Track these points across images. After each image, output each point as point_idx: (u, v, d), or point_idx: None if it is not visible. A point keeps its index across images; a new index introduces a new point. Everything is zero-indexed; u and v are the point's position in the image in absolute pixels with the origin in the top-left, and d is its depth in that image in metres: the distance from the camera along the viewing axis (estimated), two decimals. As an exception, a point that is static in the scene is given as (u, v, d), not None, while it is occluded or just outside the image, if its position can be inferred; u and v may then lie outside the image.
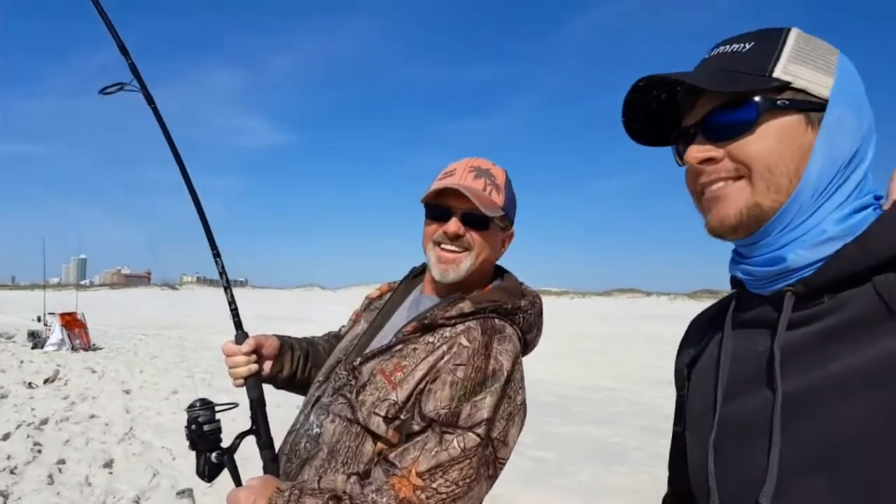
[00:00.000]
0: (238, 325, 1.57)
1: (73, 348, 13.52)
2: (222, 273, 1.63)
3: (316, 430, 1.40)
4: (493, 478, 1.31)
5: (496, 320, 1.39)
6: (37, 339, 14.05)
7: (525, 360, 1.45)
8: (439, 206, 1.45)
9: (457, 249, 1.43)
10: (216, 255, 1.62)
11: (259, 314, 30.73)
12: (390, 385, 1.33)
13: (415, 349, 1.36)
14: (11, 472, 4.94)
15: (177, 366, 11.67)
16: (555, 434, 6.79)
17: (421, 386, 1.32)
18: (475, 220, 1.42)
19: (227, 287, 1.63)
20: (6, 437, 5.99)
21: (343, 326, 1.80)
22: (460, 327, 1.36)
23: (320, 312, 36.93)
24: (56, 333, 13.70)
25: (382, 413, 1.32)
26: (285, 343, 1.64)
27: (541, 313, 1.53)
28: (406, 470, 1.23)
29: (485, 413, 1.26)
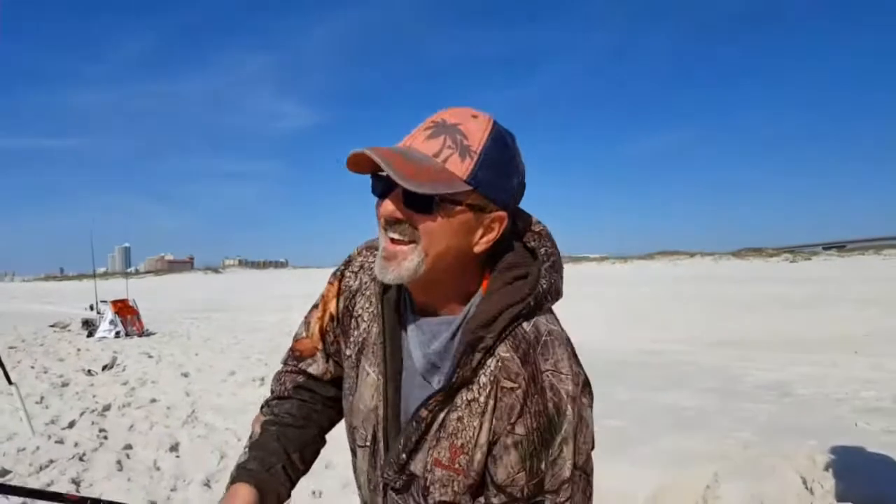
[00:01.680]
0: None
1: (128, 334, 13.72)
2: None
3: None
4: (591, 497, 1.13)
5: (525, 326, 1.08)
6: (91, 327, 14.28)
7: (574, 328, 1.20)
8: (381, 179, 1.04)
9: (401, 238, 1.03)
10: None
11: (303, 293, 30.98)
12: (460, 475, 1.10)
13: (460, 418, 1.09)
14: (80, 458, 4.91)
15: (230, 347, 11.72)
16: (623, 401, 6.53)
17: (487, 454, 1.10)
18: (415, 200, 0.99)
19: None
20: (72, 424, 6.01)
21: (302, 347, 1.33)
22: (492, 363, 1.07)
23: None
24: (107, 321, 13.89)
25: None
26: (266, 483, 1.18)
27: (561, 267, 1.16)
28: None
29: (567, 467, 1.06)
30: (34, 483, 4.35)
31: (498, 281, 1.09)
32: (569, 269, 1.26)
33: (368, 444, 1.20)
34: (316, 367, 1.31)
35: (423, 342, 1.14)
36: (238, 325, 16.52)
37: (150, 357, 10.45)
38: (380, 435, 1.17)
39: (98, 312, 15.02)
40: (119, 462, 4.85)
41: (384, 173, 0.99)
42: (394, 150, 1.01)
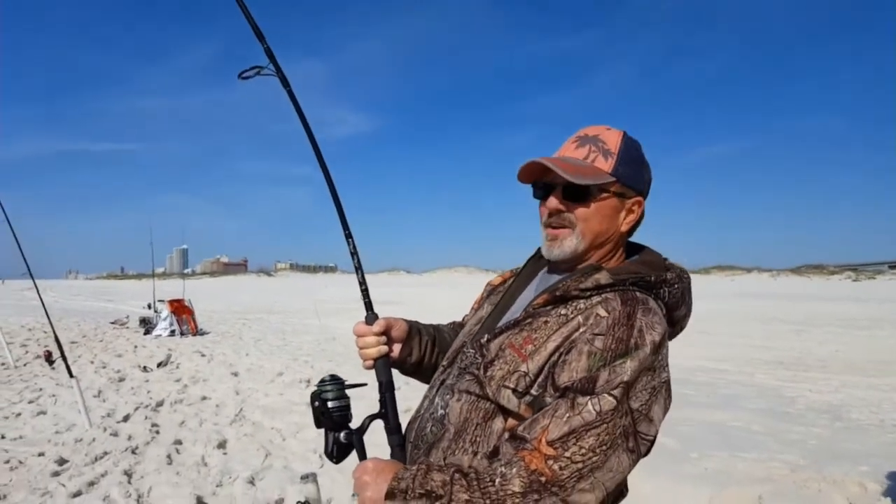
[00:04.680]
0: (368, 306, 1.52)
1: (182, 333, 14.15)
2: (353, 253, 1.56)
3: (441, 411, 1.33)
4: (634, 452, 1.15)
5: (637, 293, 1.26)
6: (148, 325, 14.79)
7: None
8: (541, 184, 1.37)
9: (559, 225, 1.34)
10: (348, 235, 1.56)
11: (355, 297, 31.35)
12: (520, 357, 1.24)
13: (546, 321, 1.26)
14: (133, 451, 5.12)
15: (280, 349, 11.98)
16: (670, 418, 6.31)
17: (554, 358, 1.21)
18: (573, 193, 1.31)
19: (359, 268, 1.57)
20: (126, 418, 6.26)
21: (466, 315, 1.73)
22: (596, 299, 1.25)
23: (408, 295, 37.35)
24: (164, 320, 14.36)
25: (512, 385, 1.23)
26: (413, 327, 1.58)
27: (689, 290, 1.38)
28: (536, 441, 1.12)
29: (625, 377, 1.14)
30: (89, 473, 4.55)
31: (631, 262, 1.36)
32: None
33: (446, 363, 1.44)
34: (466, 317, 1.68)
35: (543, 281, 1.41)
36: (287, 328, 16.85)
37: (203, 356, 10.76)
38: (467, 345, 1.38)
39: (155, 311, 15.55)
40: (169, 456, 5.03)
41: (542, 180, 1.35)
42: (555, 157, 1.33)
